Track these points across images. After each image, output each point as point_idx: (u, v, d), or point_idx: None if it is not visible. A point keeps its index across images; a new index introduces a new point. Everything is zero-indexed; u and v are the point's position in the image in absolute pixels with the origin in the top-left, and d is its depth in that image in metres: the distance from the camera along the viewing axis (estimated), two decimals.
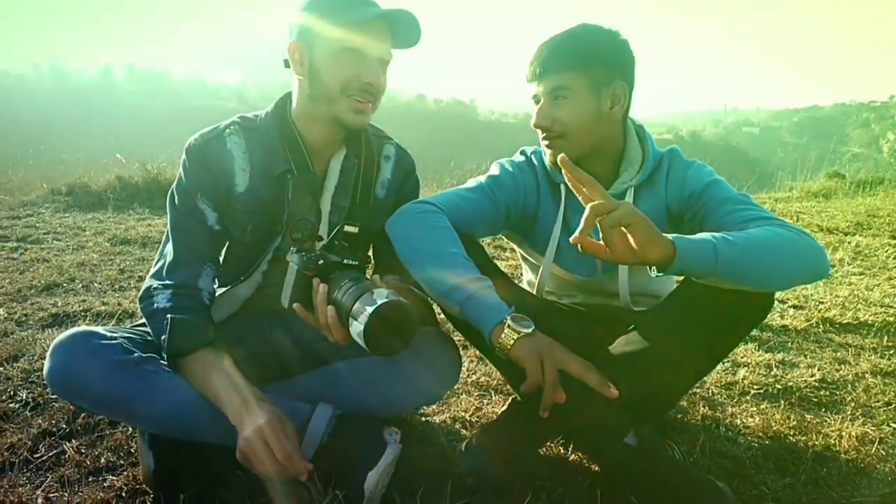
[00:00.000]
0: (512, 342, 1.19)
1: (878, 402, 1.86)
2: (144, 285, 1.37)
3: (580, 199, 1.21)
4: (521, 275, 1.88)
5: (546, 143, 1.44)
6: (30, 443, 1.48)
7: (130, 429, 1.52)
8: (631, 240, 1.11)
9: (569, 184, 1.24)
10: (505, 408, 1.59)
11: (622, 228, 1.11)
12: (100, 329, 1.29)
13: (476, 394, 1.86)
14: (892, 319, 2.59)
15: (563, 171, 1.24)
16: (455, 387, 1.69)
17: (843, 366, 2.14)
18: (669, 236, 1.12)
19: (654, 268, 1.15)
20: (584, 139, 1.41)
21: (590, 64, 1.37)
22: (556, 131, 1.40)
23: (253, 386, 1.25)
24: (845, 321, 2.58)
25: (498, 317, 1.21)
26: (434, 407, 1.75)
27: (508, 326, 1.18)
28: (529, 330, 1.19)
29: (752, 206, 1.34)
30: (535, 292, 1.62)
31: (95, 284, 2.88)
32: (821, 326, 2.52)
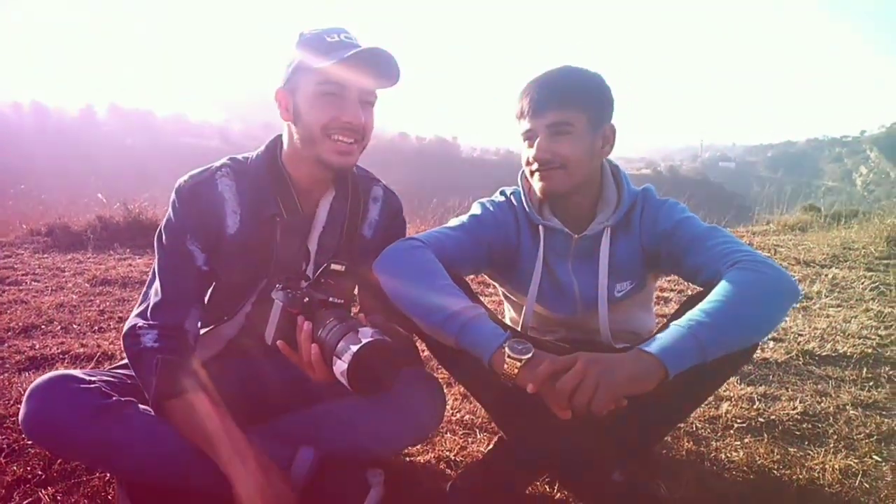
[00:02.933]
0: (515, 369, 1.15)
1: (859, 434, 1.88)
2: (129, 324, 1.34)
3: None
4: (504, 311, 1.89)
5: (540, 174, 1.45)
6: (3, 491, 1.43)
7: (108, 475, 1.48)
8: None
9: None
10: (490, 447, 1.58)
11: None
12: (78, 372, 1.27)
13: (461, 433, 1.84)
14: (870, 351, 2.63)
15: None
16: (439, 426, 1.67)
17: (824, 398, 2.16)
18: (649, 351, 1.12)
19: None
20: (580, 173, 1.45)
21: (588, 103, 1.42)
22: (556, 164, 1.42)
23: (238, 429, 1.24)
24: (824, 353, 2.62)
25: (495, 342, 1.19)
26: (418, 447, 1.73)
27: (508, 356, 1.15)
28: (529, 355, 1.15)
29: (720, 241, 1.37)
30: (519, 329, 1.63)
31: (74, 326, 2.84)
32: (801, 359, 2.55)
